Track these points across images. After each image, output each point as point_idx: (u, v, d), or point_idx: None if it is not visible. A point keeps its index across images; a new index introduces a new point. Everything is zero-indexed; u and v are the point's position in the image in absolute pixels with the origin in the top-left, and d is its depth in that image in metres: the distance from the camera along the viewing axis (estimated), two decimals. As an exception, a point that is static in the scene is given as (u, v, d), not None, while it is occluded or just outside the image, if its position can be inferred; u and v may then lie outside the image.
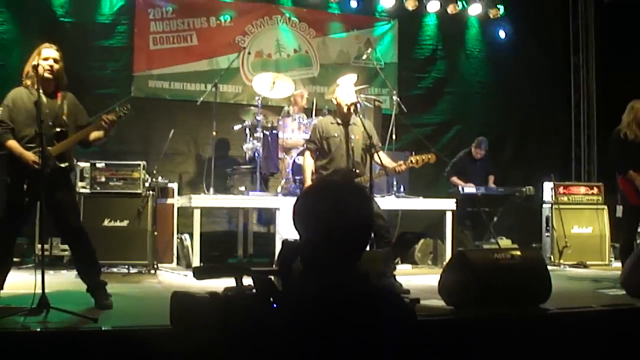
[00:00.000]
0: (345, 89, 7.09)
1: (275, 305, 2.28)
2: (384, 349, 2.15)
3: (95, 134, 5.64)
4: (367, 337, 2.13)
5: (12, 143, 5.34)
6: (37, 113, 5.15)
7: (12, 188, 5.36)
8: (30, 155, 5.28)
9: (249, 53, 11.02)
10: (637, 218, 7.74)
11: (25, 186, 5.28)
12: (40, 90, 5.33)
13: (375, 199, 6.99)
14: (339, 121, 7.05)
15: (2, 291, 5.48)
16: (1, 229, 5.46)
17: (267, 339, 2.16)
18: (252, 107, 9.66)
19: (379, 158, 6.81)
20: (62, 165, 5.48)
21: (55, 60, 5.50)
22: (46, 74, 5.43)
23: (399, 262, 8.73)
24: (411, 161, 6.91)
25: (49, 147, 5.35)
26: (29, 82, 5.46)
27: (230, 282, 3.08)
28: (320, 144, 7.08)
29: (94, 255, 5.67)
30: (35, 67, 5.32)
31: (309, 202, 2.36)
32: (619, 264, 8.16)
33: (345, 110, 6.96)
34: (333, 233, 2.25)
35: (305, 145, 7.72)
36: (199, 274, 3.52)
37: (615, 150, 7.71)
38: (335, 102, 7.17)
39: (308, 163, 7.19)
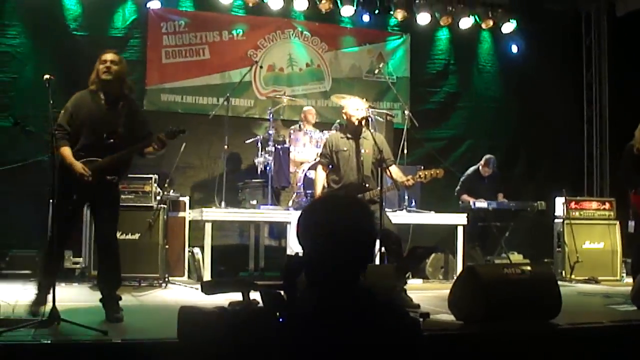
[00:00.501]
0: (355, 104, 7.08)
1: (281, 320, 2.29)
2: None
3: (148, 148, 5.71)
4: (371, 352, 2.13)
5: (66, 151, 5.37)
6: (49, 112, 5.20)
7: (60, 195, 5.33)
8: (78, 167, 5.31)
9: (261, 67, 11.05)
10: (649, 233, 7.70)
11: (74, 195, 5.33)
12: (103, 96, 5.48)
13: (386, 213, 6.98)
14: (349, 135, 7.04)
15: (14, 304, 5.52)
16: (54, 239, 5.35)
17: (271, 354, 2.17)
18: (264, 121, 9.69)
19: (390, 172, 6.81)
20: (109, 177, 5.50)
21: (113, 62, 5.58)
22: (104, 76, 5.52)
23: (410, 276, 8.71)
24: (419, 176, 6.88)
25: (99, 159, 5.41)
26: (94, 87, 5.56)
27: (239, 296, 3.10)
28: (331, 158, 7.08)
29: (119, 270, 5.75)
30: (97, 74, 5.51)
31: (311, 216, 2.37)
32: (630, 280, 8.12)
33: (355, 124, 6.96)
34: (335, 247, 2.26)
35: (317, 159, 7.74)
36: (208, 288, 3.53)
37: (627, 165, 7.69)
38: (345, 117, 7.17)
39: (320, 177, 7.19)
